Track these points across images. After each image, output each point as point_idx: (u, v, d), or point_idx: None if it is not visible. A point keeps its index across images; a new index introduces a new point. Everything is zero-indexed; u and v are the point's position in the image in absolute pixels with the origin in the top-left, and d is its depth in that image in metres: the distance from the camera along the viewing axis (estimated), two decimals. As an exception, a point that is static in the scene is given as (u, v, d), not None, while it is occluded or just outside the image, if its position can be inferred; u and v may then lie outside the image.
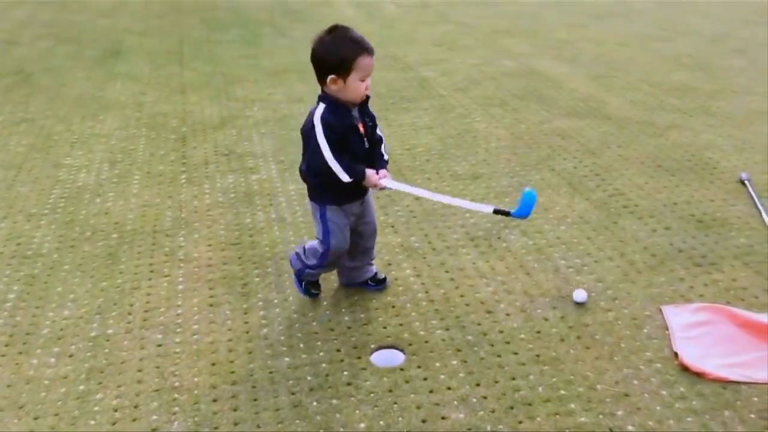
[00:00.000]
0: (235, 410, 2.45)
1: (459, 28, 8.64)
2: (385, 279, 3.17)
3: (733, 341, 2.74)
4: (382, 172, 2.78)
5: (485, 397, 2.49)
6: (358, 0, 10.49)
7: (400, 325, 2.89)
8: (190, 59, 7.28)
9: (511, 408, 2.44)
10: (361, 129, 2.76)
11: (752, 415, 2.37)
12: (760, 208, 3.72)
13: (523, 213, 2.65)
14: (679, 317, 2.88)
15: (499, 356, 2.70)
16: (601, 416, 2.39)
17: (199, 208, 3.93)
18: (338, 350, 2.75)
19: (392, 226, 3.69)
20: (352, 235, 2.92)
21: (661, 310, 2.94)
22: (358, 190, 2.82)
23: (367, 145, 2.79)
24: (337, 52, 2.60)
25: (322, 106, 2.69)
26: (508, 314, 2.94)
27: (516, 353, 2.71)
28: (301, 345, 2.78)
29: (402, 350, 2.75)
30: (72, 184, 4.28)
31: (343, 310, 2.99)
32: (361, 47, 2.60)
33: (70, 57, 7.44)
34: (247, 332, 2.86)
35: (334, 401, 2.48)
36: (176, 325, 2.91)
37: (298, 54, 7.48)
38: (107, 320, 2.96)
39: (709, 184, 4.09)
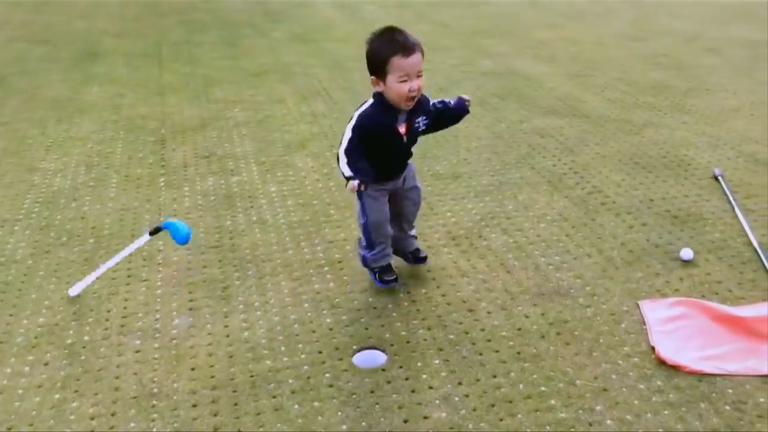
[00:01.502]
0: (215, 415, 2.44)
1: (438, 28, 8.67)
2: (425, 258, 3.26)
3: (709, 334, 2.78)
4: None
5: (467, 396, 2.50)
6: (339, 0, 10.49)
7: (382, 325, 2.90)
8: (169, 61, 7.24)
9: (492, 406, 2.45)
10: (402, 129, 2.83)
11: (727, 407, 2.40)
12: (734, 203, 3.78)
13: (183, 240, 3.03)
14: (655, 312, 2.91)
15: (480, 354, 2.71)
16: (580, 411, 2.41)
17: (178, 211, 3.91)
18: (320, 352, 2.75)
19: (372, 227, 3.69)
20: (391, 202, 3.02)
21: (638, 305, 2.97)
22: (392, 169, 2.95)
23: (405, 142, 2.87)
24: (374, 54, 2.69)
25: (368, 103, 2.81)
26: (489, 312, 2.96)
27: (497, 351, 2.73)
28: (283, 348, 2.77)
29: (384, 351, 2.75)
30: (47, 189, 4.24)
31: (325, 311, 2.99)
32: (396, 48, 2.62)
33: (45, 59, 7.37)
34: (228, 336, 2.85)
35: (316, 403, 2.48)
36: (155, 331, 2.89)
37: (279, 55, 7.48)
38: (83, 327, 2.93)
39: (684, 180, 4.14)
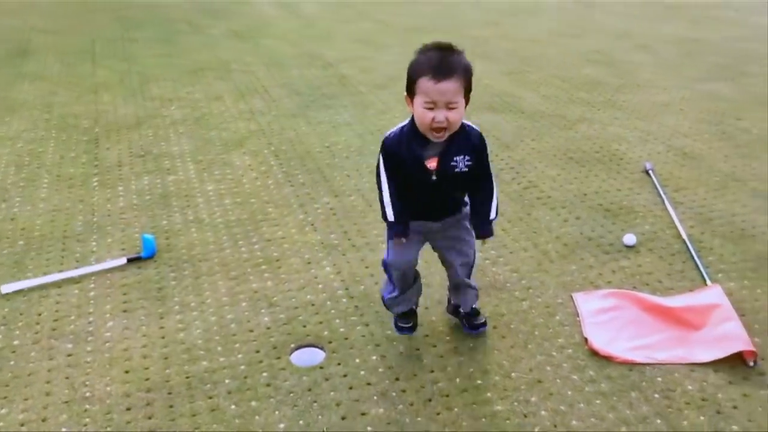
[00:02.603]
0: (149, 418, 2.40)
1: (378, 25, 8.69)
2: (482, 325, 2.80)
3: (639, 324, 2.86)
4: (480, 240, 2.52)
5: (404, 391, 2.51)
6: (277, -3, 10.40)
7: (320, 323, 2.89)
8: (103, 58, 7.06)
9: (430, 400, 2.47)
10: (431, 164, 2.35)
11: (656, 395, 2.48)
12: (663, 196, 3.90)
13: (151, 253, 3.32)
14: (588, 303, 2.98)
15: (418, 350, 2.73)
16: (515, 403, 2.45)
17: (112, 212, 3.82)
18: (257, 351, 2.72)
19: (312, 224, 3.68)
20: (432, 245, 2.67)
21: (572, 297, 3.04)
22: (421, 211, 2.50)
23: (435, 179, 2.37)
24: (409, 69, 2.28)
25: (401, 124, 2.40)
26: (426, 308, 2.98)
27: (435, 346, 2.75)
28: (219, 348, 2.74)
29: (322, 348, 2.75)
30: (-25, 190, 4.09)
31: (263, 310, 2.97)
32: (427, 67, 2.20)
33: (-28, 57, 7.10)
34: (163, 337, 2.80)
35: (253, 403, 2.46)
36: (87, 333, 2.82)
37: (217, 52, 7.37)
38: (13, 331, 2.84)
39: (616, 175, 4.25)
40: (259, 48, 7.59)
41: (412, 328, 2.79)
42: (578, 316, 2.92)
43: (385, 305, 2.82)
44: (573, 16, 9.12)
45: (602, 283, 3.15)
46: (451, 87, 2.19)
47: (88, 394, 2.50)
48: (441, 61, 2.20)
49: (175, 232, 3.61)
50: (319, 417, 2.40)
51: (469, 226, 2.59)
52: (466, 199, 2.56)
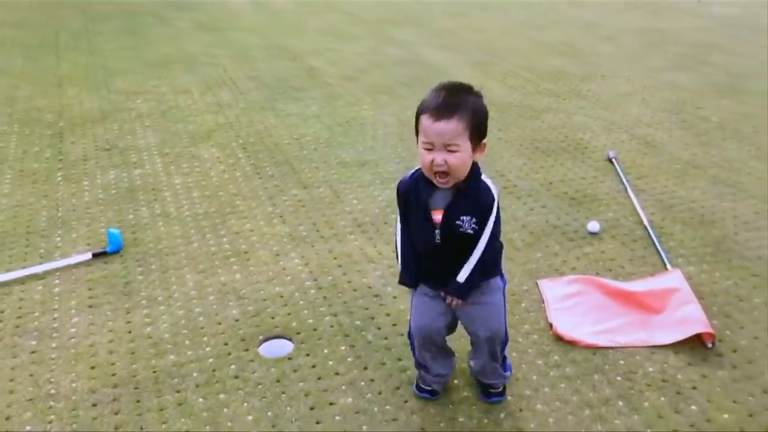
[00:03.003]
0: (116, 413, 2.39)
1: (346, 17, 8.68)
2: (498, 394, 2.47)
3: (602, 309, 2.92)
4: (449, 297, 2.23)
5: (372, 380, 2.54)
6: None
7: (289, 314, 2.90)
8: (68, 51, 6.95)
9: (398, 388, 2.50)
10: (437, 217, 2.13)
11: (618, 378, 2.53)
12: (626, 184, 3.97)
13: (117, 248, 3.32)
14: (553, 290, 3.03)
15: (386, 339, 2.75)
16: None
17: (77, 207, 3.78)
18: (225, 344, 2.73)
19: (280, 216, 3.68)
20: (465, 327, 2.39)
21: (537, 284, 3.08)
22: (436, 270, 2.23)
23: (438, 241, 2.14)
24: (418, 107, 2.08)
25: (414, 170, 2.19)
26: (395, 297, 3.00)
27: (402, 335, 2.77)
28: (187, 342, 2.74)
29: (290, 339, 2.76)
30: (-64, 187, 4.02)
31: (231, 303, 2.97)
32: (429, 105, 2.02)
33: (-69, 51, 6.95)
34: (130, 332, 2.79)
35: (221, 396, 2.46)
36: (52, 330, 2.79)
37: (183, 44, 7.30)
38: (-24, 329, 2.81)
39: (581, 163, 4.31)
40: (227, 40, 7.53)
41: (434, 394, 2.48)
42: (543, 302, 2.96)
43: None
44: (540, 9, 9.19)
45: (567, 270, 3.20)
46: (449, 128, 1.97)
47: (53, 391, 2.48)
48: (444, 100, 2.00)
49: (142, 226, 3.58)
50: (288, 408, 2.41)
51: (501, 296, 2.32)
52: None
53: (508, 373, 2.50)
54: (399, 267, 2.28)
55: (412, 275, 2.27)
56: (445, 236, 2.13)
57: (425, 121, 2.02)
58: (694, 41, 7.28)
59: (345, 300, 2.98)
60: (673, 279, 3.03)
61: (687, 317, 2.77)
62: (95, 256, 3.27)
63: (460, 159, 2.02)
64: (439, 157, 2.01)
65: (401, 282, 2.30)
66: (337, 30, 7.96)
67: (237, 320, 2.86)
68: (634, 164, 4.28)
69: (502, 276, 2.32)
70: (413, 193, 2.16)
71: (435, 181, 2.08)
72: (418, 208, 2.16)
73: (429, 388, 2.47)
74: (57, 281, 3.11)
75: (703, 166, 4.24)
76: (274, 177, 4.15)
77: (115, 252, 3.31)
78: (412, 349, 2.45)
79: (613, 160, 4.28)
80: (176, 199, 3.87)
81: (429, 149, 2.03)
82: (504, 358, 2.43)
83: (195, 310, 2.93)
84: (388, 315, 2.89)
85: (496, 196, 2.14)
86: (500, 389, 2.47)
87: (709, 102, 5.38)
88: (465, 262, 2.16)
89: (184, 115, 5.18)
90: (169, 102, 5.47)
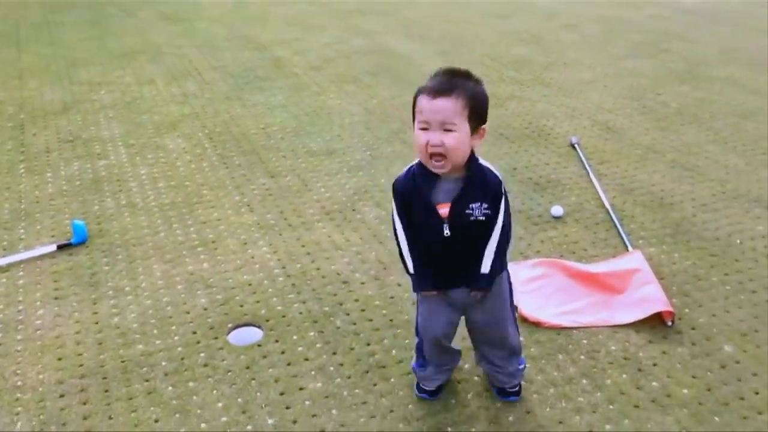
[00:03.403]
0: (84, 404, 2.38)
1: (311, 7, 8.65)
2: (514, 393, 2.42)
3: (566, 291, 2.98)
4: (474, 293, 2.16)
5: (342, 365, 2.57)
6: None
7: (257, 302, 2.91)
8: (28, 42, 6.84)
9: (367, 372, 2.53)
10: (443, 211, 2.04)
11: (582, 357, 2.60)
12: (588, 169, 4.04)
13: (82, 239, 3.30)
14: (519, 273, 3.07)
15: (354, 324, 2.78)
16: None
17: (41, 198, 3.74)
18: (194, 333, 2.73)
19: (248, 205, 3.68)
20: (468, 326, 2.35)
21: (502, 269, 3.13)
22: (445, 270, 2.15)
23: (447, 234, 2.05)
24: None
25: (409, 164, 2.12)
26: (363, 283, 3.03)
27: (371, 320, 2.81)
28: (155, 331, 2.74)
29: (259, 327, 2.78)
30: None
31: (199, 292, 2.97)
32: (427, 85, 1.97)
33: None
34: (97, 323, 2.78)
35: (191, 384, 2.47)
36: (17, 322, 2.77)
37: (147, 35, 7.23)
38: (-61, 323, 2.78)
39: (544, 149, 4.38)
40: (191, 31, 7.47)
41: (437, 393, 2.43)
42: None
43: (414, 372, 2.47)
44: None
45: (531, 253, 3.26)
46: (447, 105, 1.91)
47: (19, 383, 2.47)
48: (440, 79, 1.96)
49: (108, 217, 3.56)
50: (258, 394, 2.43)
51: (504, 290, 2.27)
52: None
53: (520, 366, 2.41)
54: (410, 272, 2.15)
55: (429, 278, 2.14)
56: (455, 228, 2.04)
57: (422, 100, 1.95)
58: (654, 29, 7.40)
59: (314, 287, 3.01)
60: (634, 260, 3.10)
61: (647, 297, 2.84)
62: (60, 247, 3.25)
63: (457, 140, 1.93)
64: (435, 138, 1.93)
65: (418, 289, 2.17)
66: (302, 20, 7.93)
67: (205, 309, 2.87)
68: (596, 150, 4.36)
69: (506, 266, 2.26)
70: (413, 190, 2.07)
71: (430, 166, 1.99)
72: (420, 205, 2.06)
73: (429, 389, 2.41)
74: (21, 273, 3.08)
75: (663, 151, 4.34)
76: (241, 166, 4.15)
77: (81, 243, 3.29)
78: (418, 346, 2.37)
79: (576, 145, 4.35)
80: (142, 190, 3.84)
81: (425, 129, 1.95)
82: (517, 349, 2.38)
83: (163, 299, 2.92)
84: (356, 301, 2.92)
85: (501, 177, 2.08)
86: (517, 389, 2.42)
87: (669, 88, 5.49)
88: (479, 254, 2.10)
89: (149, 106, 5.14)
90: (133, 93, 5.42)
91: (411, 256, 2.13)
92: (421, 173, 2.05)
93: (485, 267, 2.10)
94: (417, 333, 2.35)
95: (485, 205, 2.04)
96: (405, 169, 2.12)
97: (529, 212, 3.61)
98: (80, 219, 3.43)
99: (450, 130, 1.93)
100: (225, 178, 3.99)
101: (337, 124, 4.80)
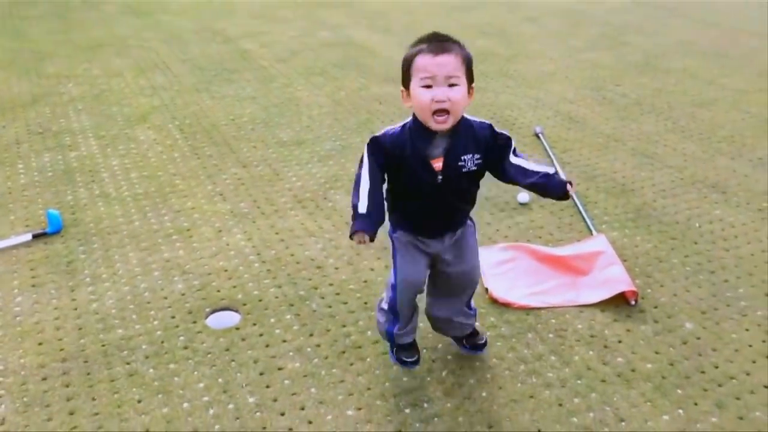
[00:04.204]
0: (67, 386, 2.42)
1: (278, 1, 8.65)
2: (483, 345, 2.58)
3: (534, 273, 3.09)
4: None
5: (319, 346, 2.64)
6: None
7: (234, 287, 2.97)
8: (-11, 35, 6.74)
9: (343, 353, 2.61)
10: (437, 165, 2.11)
11: (550, 335, 2.71)
12: (553, 157, 4.17)
13: (57, 229, 3.32)
14: (488, 257, 3.18)
15: (330, 307, 2.86)
16: (424, 350, 2.59)
17: (13, 189, 3.73)
18: (173, 317, 2.78)
19: (221, 194, 3.73)
20: (437, 277, 2.41)
21: (472, 252, 3.23)
22: (425, 222, 2.25)
23: (439, 182, 2.13)
24: (403, 59, 2.08)
25: (401, 122, 2.16)
26: (336, 268, 3.10)
27: (345, 303, 2.88)
28: (134, 316, 2.78)
29: (237, 311, 2.83)
30: None
31: (176, 278, 3.01)
32: (423, 45, 2.03)
33: None
34: (76, 309, 2.81)
35: (172, 366, 2.52)
36: (-4, 309, 2.79)
37: (113, 28, 7.18)
38: None
39: (511, 139, 4.49)
40: (158, 24, 7.43)
41: (417, 361, 2.51)
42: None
43: (387, 339, 2.52)
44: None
45: (500, 238, 3.36)
46: (448, 60, 1.99)
47: (1, 368, 2.49)
48: (438, 39, 2.04)
49: (81, 207, 3.57)
50: (238, 374, 2.49)
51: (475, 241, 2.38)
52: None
53: (473, 312, 2.54)
54: (354, 215, 2.10)
55: (371, 223, 2.09)
56: (445, 178, 2.13)
57: (422, 59, 2.00)
58: (613, 22, 7.59)
59: (289, 272, 3.07)
60: (598, 243, 3.23)
61: (612, 277, 2.96)
62: (35, 237, 3.26)
63: (461, 93, 2.02)
64: (441, 93, 1.99)
65: (356, 230, 2.08)
66: (268, 13, 7.94)
67: (183, 294, 2.92)
68: (559, 139, 4.49)
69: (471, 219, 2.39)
70: (408, 146, 2.11)
71: (432, 123, 2.04)
72: (415, 160, 2.11)
73: (413, 359, 2.49)
74: (-3, 262, 3.09)
75: (623, 140, 4.49)
76: (212, 157, 4.18)
77: (56, 232, 3.30)
78: (392, 305, 2.38)
79: (540, 135, 4.48)
80: (115, 180, 3.86)
81: (428, 86, 2.00)
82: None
83: (140, 285, 2.96)
84: (330, 285, 2.99)
85: (488, 123, 2.17)
86: (484, 340, 2.57)
87: (628, 79, 5.66)
88: (465, 204, 2.27)
89: (117, 98, 5.13)
90: (101, 86, 5.40)
91: (365, 199, 2.10)
92: (417, 133, 2.11)
93: (548, 169, 2.20)
94: (393, 288, 2.35)
95: (477, 156, 2.13)
96: (397, 126, 2.15)
97: (496, 199, 3.72)
98: (54, 209, 3.44)
99: (455, 84, 2.00)
100: (197, 169, 4.03)
101: (306, 115, 4.85)
